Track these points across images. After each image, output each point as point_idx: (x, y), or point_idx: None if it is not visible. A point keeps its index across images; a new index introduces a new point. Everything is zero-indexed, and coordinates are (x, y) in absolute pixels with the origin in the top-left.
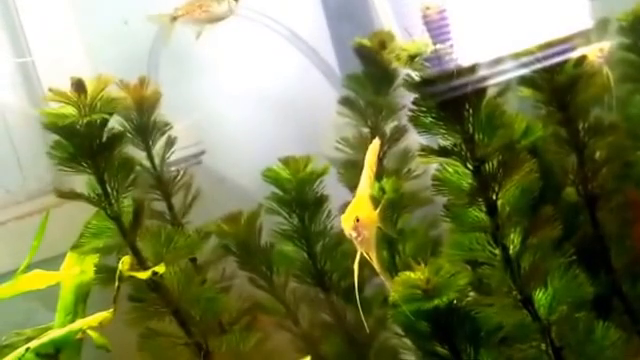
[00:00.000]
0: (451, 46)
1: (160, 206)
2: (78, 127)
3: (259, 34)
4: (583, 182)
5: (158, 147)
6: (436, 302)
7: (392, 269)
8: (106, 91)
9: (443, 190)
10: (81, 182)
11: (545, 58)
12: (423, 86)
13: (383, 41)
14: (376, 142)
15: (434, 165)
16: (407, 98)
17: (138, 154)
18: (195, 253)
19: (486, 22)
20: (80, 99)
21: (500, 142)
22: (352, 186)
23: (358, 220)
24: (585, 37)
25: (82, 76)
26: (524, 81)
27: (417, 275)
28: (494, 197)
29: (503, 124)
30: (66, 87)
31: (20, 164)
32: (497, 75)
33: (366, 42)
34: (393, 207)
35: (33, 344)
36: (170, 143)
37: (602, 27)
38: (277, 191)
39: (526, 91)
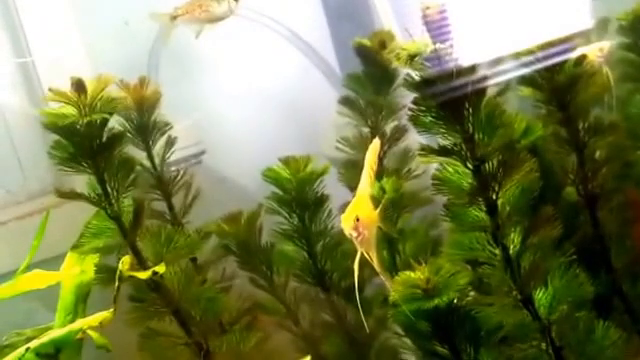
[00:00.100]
0: (451, 46)
1: (160, 206)
2: (78, 127)
3: (259, 34)
4: (583, 182)
5: (158, 147)
6: (436, 302)
7: (392, 269)
8: (106, 91)
9: (443, 190)
10: (81, 182)
11: (545, 58)
12: (423, 86)
13: (383, 41)
14: (376, 142)
15: (434, 165)
16: (407, 98)
17: (138, 154)
18: (195, 253)
19: (486, 22)
20: (80, 99)
21: (500, 142)
22: (352, 186)
23: (358, 220)
24: (585, 37)
25: (82, 76)
26: (524, 81)
27: (417, 275)
28: (494, 197)
29: (503, 124)
30: (66, 87)
31: (20, 164)
32: (497, 75)
33: (366, 42)
34: (393, 207)
35: (33, 344)
36: (170, 143)
37: (602, 27)
38: (277, 191)
39: (526, 91)
